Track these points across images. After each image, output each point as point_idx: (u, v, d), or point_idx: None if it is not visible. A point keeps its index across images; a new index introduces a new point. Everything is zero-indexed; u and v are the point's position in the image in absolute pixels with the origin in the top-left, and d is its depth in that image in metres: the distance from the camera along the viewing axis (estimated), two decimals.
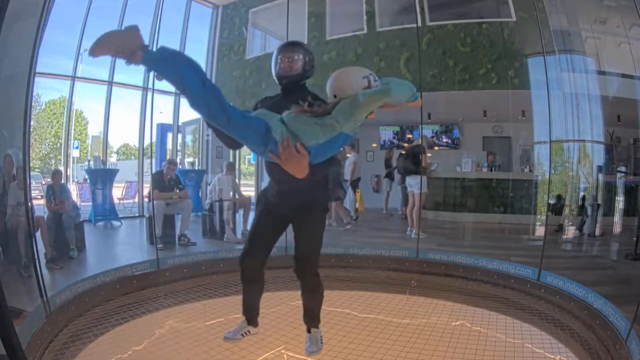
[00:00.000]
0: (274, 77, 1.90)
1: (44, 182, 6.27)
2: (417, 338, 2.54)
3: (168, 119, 7.87)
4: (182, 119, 8.07)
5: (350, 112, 1.49)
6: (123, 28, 1.31)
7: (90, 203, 5.99)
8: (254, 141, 1.51)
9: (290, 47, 1.83)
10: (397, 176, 7.14)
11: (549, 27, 5.15)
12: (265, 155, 1.52)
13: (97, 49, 1.27)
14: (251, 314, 2.17)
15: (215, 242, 5.14)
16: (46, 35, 2.80)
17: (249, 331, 2.16)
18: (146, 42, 1.31)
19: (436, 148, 8.52)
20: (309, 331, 2.15)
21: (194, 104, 1.39)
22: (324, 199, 2.00)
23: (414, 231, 5.09)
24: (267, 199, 1.97)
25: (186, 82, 1.34)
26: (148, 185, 6.20)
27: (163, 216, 4.82)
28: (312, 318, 2.13)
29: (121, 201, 6.79)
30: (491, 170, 7.24)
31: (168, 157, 7.86)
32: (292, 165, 1.46)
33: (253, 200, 8.48)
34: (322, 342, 2.15)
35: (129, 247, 4.99)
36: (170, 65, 1.34)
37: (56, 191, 4.26)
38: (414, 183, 5.44)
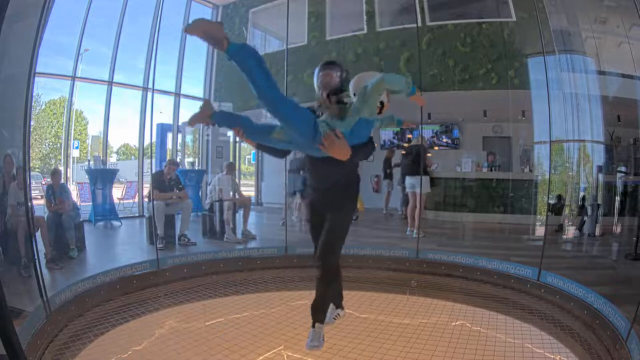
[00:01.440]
0: (316, 90, 2.19)
1: (44, 182, 6.27)
2: (417, 338, 2.54)
3: (168, 119, 7.88)
4: (182, 119, 8.07)
5: (362, 99, 1.88)
6: (213, 20, 1.59)
7: (90, 203, 5.99)
8: (305, 132, 1.78)
9: (329, 65, 2.18)
10: (396, 176, 7.15)
11: (549, 27, 5.15)
12: (314, 147, 1.81)
13: (192, 29, 1.50)
14: (335, 299, 2.37)
15: (215, 242, 5.14)
16: (46, 35, 2.81)
17: (338, 314, 2.38)
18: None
19: (436, 148, 8.52)
20: (313, 326, 2.20)
21: (260, 96, 1.65)
22: (348, 200, 2.16)
23: (414, 231, 5.09)
24: (309, 198, 2.26)
25: (256, 76, 1.62)
26: (148, 185, 6.20)
27: (164, 216, 4.82)
28: (315, 311, 2.19)
29: (121, 201, 6.80)
30: (491, 170, 7.23)
31: (168, 157, 7.87)
32: (335, 149, 1.77)
33: (253, 200, 8.51)
34: (323, 339, 2.19)
35: (129, 247, 4.99)
36: (247, 58, 1.61)
37: (56, 191, 4.26)
38: (416, 183, 5.44)
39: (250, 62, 1.60)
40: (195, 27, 1.50)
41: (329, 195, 2.13)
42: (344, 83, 2.16)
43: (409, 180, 5.60)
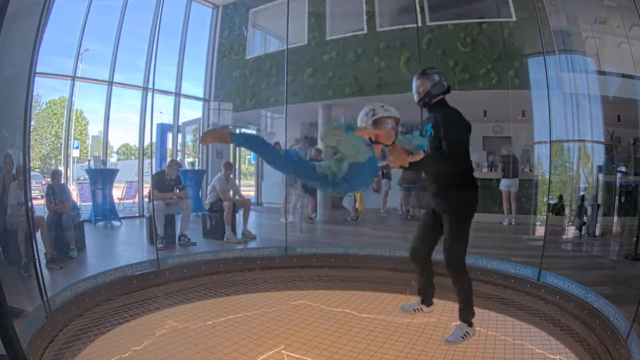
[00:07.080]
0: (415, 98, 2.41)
1: (44, 182, 6.27)
2: (417, 338, 2.54)
3: (168, 119, 7.88)
4: (182, 119, 8.08)
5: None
6: (218, 127, 2.14)
7: (90, 203, 5.99)
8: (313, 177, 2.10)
9: (418, 74, 2.35)
10: (395, 176, 7.15)
11: (549, 27, 5.14)
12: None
13: (205, 140, 2.09)
14: (424, 295, 2.54)
15: (215, 242, 5.13)
16: (46, 35, 2.80)
17: (421, 308, 2.54)
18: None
19: None
20: (470, 325, 2.34)
21: (269, 162, 2.05)
22: (460, 204, 2.27)
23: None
24: (427, 200, 2.44)
25: (261, 153, 2.09)
26: (148, 185, 6.20)
27: (164, 216, 4.82)
28: (460, 311, 2.30)
29: (121, 201, 6.79)
30: (491, 170, 7.23)
31: (168, 157, 7.87)
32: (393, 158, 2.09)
33: (252, 200, 8.50)
34: (462, 338, 2.27)
35: (129, 247, 4.99)
36: (249, 143, 2.18)
37: (56, 191, 4.25)
38: (506, 184, 6.49)
39: (251, 142, 2.15)
40: (206, 138, 2.07)
41: (438, 201, 2.27)
42: (433, 89, 2.33)
43: (502, 181, 6.58)
